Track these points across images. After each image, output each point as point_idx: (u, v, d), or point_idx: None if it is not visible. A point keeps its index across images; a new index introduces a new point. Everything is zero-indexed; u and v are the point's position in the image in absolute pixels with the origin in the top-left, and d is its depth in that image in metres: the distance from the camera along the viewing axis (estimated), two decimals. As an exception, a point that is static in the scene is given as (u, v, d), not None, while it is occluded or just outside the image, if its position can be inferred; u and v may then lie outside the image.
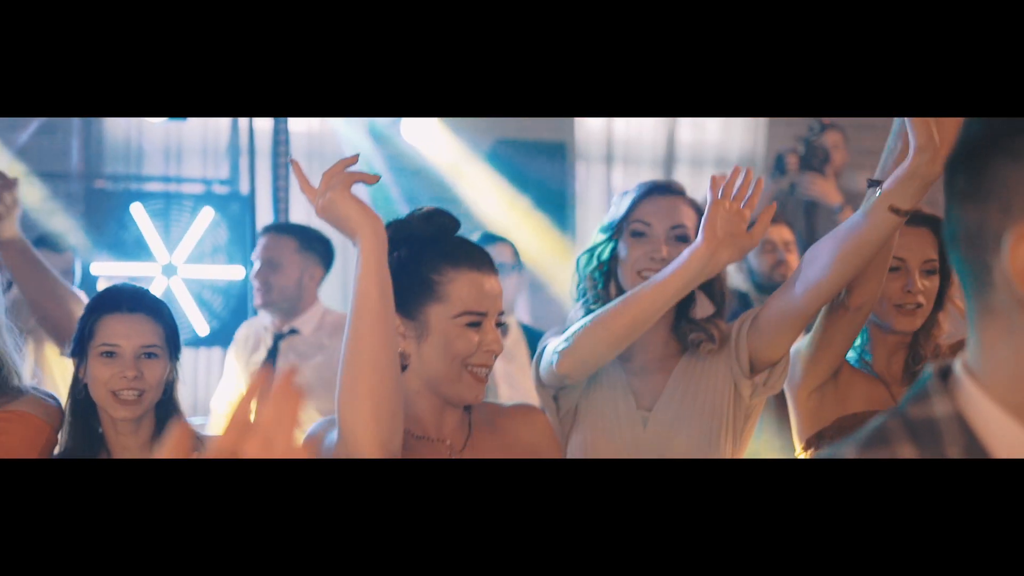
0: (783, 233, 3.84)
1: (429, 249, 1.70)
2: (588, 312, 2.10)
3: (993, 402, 0.84)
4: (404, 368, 1.71)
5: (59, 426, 2.14)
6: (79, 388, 2.11)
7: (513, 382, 3.58)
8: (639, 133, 5.42)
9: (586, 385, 2.11)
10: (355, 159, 1.68)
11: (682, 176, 5.44)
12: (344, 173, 1.61)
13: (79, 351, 2.11)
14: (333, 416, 1.66)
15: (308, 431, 1.74)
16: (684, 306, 2.11)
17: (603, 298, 2.12)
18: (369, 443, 1.57)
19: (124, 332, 2.07)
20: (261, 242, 3.59)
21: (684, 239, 2.09)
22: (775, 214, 4.10)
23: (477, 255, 1.74)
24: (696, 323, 2.10)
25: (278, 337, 3.50)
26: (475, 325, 1.69)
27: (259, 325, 3.62)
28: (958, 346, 2.22)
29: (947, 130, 1.79)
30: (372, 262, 1.58)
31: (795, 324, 2.00)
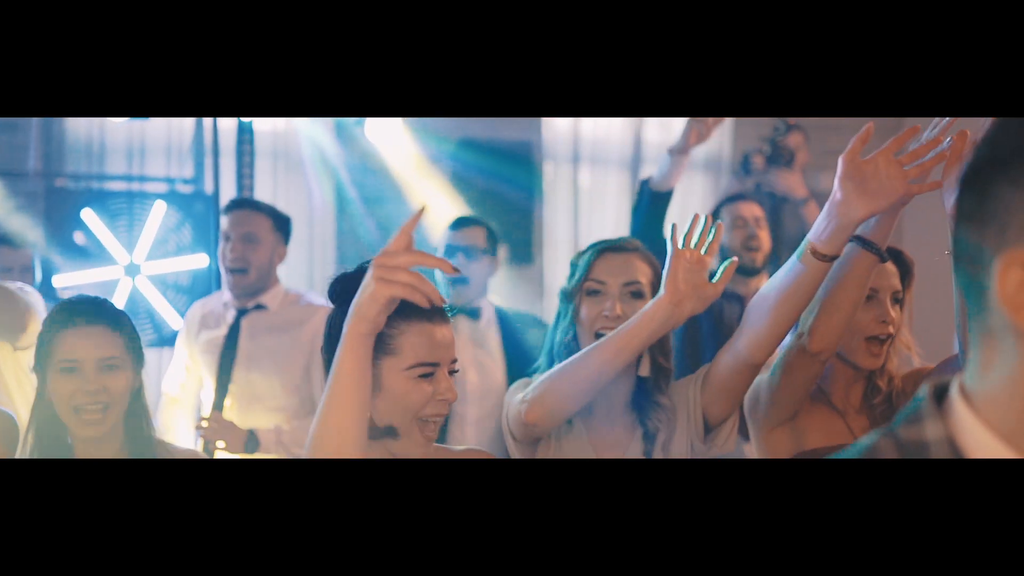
0: (753, 209, 3.90)
1: None
2: None
3: (985, 427, 0.85)
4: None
5: (15, 447, 2.10)
6: (44, 404, 2.07)
7: (483, 369, 3.55)
8: (606, 133, 5.42)
9: (556, 440, 2.13)
10: (441, 263, 1.52)
11: (649, 174, 5.45)
12: (417, 266, 1.49)
13: (40, 367, 2.07)
14: None
15: None
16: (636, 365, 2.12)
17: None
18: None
19: (82, 345, 2.04)
20: (232, 217, 3.47)
21: (639, 295, 2.12)
22: (746, 194, 4.03)
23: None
24: (645, 411, 2.12)
25: (241, 313, 3.46)
26: (428, 376, 1.69)
27: (218, 302, 3.56)
28: (911, 376, 2.25)
29: (887, 180, 1.76)
30: (356, 347, 1.52)
31: (743, 376, 2.02)
